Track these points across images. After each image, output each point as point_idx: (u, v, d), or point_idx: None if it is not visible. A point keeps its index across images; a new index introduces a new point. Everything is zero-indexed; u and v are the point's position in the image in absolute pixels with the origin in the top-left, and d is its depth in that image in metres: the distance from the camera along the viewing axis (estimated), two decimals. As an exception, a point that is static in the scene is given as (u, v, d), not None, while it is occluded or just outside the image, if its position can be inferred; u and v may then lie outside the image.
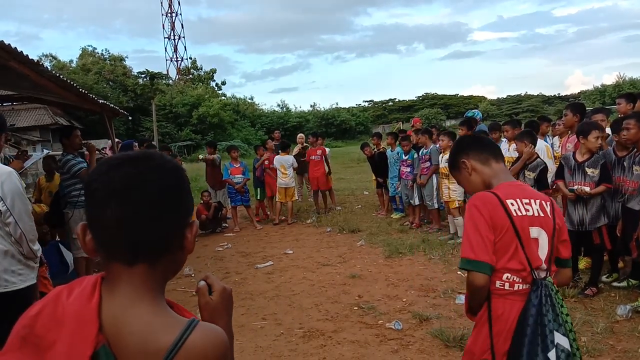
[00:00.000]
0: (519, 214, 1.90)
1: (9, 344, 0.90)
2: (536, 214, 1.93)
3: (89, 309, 0.87)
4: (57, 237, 6.08)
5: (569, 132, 5.81)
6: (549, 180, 5.36)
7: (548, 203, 1.99)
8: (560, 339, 1.83)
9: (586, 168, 4.56)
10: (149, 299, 0.91)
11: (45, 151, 12.14)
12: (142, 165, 0.93)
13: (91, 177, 0.94)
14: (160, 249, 0.94)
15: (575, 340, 1.88)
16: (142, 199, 0.90)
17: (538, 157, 5.35)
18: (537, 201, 1.96)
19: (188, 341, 0.86)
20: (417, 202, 8.20)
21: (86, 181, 0.96)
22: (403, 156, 8.51)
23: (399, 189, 8.83)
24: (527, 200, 1.95)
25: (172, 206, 0.94)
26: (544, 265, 1.92)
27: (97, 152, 6.31)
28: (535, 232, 1.92)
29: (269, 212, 10.45)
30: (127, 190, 0.90)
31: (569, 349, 1.82)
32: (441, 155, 7.26)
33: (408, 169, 8.35)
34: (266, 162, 9.90)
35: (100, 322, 0.87)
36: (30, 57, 4.31)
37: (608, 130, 5.34)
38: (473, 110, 10.54)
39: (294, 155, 10.38)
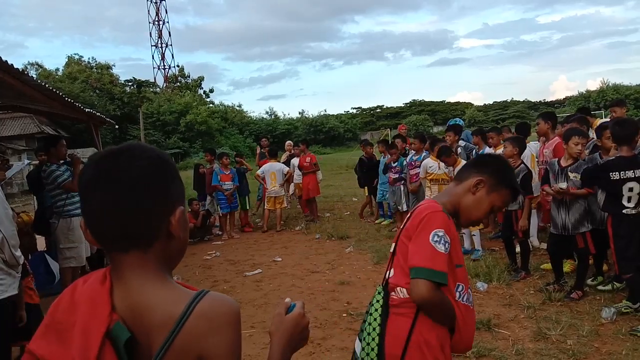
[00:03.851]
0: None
1: (36, 333, 0.96)
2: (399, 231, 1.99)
3: (101, 292, 0.93)
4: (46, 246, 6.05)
5: (544, 139, 6.06)
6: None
7: (412, 211, 1.92)
8: (357, 344, 1.93)
9: (569, 173, 4.64)
10: (155, 278, 0.96)
11: (27, 161, 12.03)
12: (122, 156, 0.97)
13: (80, 173, 1.00)
14: (147, 236, 0.97)
15: (366, 348, 1.84)
16: (120, 188, 0.94)
17: (522, 163, 5.43)
18: (409, 214, 1.96)
19: (197, 307, 0.91)
20: (405, 208, 8.24)
21: (79, 176, 1.02)
22: (392, 163, 8.57)
23: (387, 195, 8.89)
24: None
25: (151, 194, 0.96)
26: (386, 276, 1.95)
27: (81, 163, 6.28)
28: (392, 247, 1.99)
29: (250, 222, 10.42)
30: (106, 180, 0.94)
31: (357, 353, 1.89)
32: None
33: (396, 176, 8.40)
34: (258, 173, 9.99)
35: (113, 303, 0.92)
36: (14, 67, 4.29)
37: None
38: (455, 119, 10.87)
39: (283, 162, 10.40)
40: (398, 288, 1.84)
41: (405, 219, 1.93)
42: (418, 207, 1.90)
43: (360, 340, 1.90)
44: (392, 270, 1.90)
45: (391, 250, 1.98)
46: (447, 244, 1.74)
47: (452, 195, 1.96)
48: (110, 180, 0.94)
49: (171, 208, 1.00)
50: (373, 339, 1.83)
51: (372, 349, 1.82)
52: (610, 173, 4.12)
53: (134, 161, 0.96)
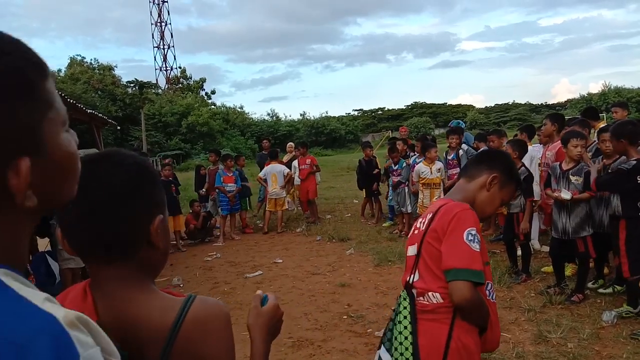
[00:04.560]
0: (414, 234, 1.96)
1: None
2: (415, 232, 1.93)
3: (85, 309, 0.90)
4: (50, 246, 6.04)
5: (549, 140, 5.98)
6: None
7: (434, 212, 1.87)
8: (383, 354, 1.86)
9: (570, 176, 4.64)
10: (139, 288, 0.95)
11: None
12: (102, 163, 0.95)
13: None
14: (127, 246, 0.94)
15: (400, 358, 1.78)
16: (96, 197, 0.91)
17: (523, 165, 5.43)
18: (429, 215, 1.90)
19: (189, 314, 0.92)
20: (409, 210, 8.23)
21: None
22: (393, 166, 8.58)
23: (390, 197, 8.89)
24: (422, 219, 1.95)
25: (131, 202, 0.94)
26: (410, 280, 1.87)
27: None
28: (410, 250, 1.93)
29: (248, 223, 10.40)
30: (85, 188, 0.90)
31: None
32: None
33: (398, 179, 8.41)
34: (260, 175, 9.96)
35: (100, 320, 0.89)
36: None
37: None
38: (457, 120, 10.84)
39: (285, 164, 10.39)
40: (430, 293, 1.77)
41: (427, 220, 1.86)
42: (442, 206, 1.85)
43: (388, 350, 1.83)
44: (416, 274, 1.83)
45: (409, 253, 1.91)
46: (479, 242, 1.73)
47: (466, 192, 1.94)
48: (89, 188, 0.90)
49: (151, 216, 0.97)
50: (406, 349, 1.76)
51: (401, 357, 1.77)
52: (637, 177, 4.05)
53: (113, 168, 0.94)
